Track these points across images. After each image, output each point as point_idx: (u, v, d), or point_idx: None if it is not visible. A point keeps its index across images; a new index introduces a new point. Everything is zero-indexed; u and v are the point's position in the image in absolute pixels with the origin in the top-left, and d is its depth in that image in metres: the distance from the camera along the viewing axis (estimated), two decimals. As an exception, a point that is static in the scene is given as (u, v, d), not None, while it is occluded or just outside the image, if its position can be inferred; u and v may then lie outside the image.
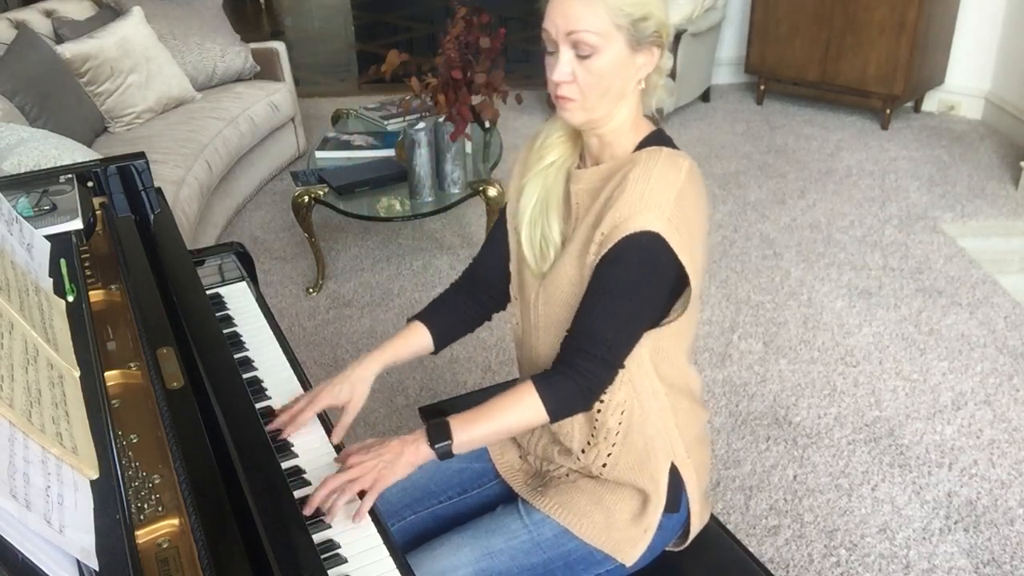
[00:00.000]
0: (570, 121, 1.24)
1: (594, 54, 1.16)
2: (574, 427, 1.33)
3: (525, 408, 1.21)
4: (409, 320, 1.47)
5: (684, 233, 1.18)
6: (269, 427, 1.31)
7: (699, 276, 1.23)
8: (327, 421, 1.37)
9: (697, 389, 1.39)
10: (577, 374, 1.20)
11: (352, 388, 1.36)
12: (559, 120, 1.29)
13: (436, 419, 1.22)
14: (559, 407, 1.22)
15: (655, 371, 1.28)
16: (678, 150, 1.25)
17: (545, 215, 1.32)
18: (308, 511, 1.15)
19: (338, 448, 1.32)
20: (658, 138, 1.27)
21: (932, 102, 4.78)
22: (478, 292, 1.48)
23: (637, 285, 1.18)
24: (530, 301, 1.36)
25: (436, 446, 1.20)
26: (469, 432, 1.21)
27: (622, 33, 1.16)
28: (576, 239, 1.26)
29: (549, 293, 1.31)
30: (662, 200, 1.17)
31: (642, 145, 1.25)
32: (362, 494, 1.17)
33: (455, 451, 1.21)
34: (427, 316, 1.46)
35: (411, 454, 1.20)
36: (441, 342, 1.46)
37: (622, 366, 1.23)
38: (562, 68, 1.18)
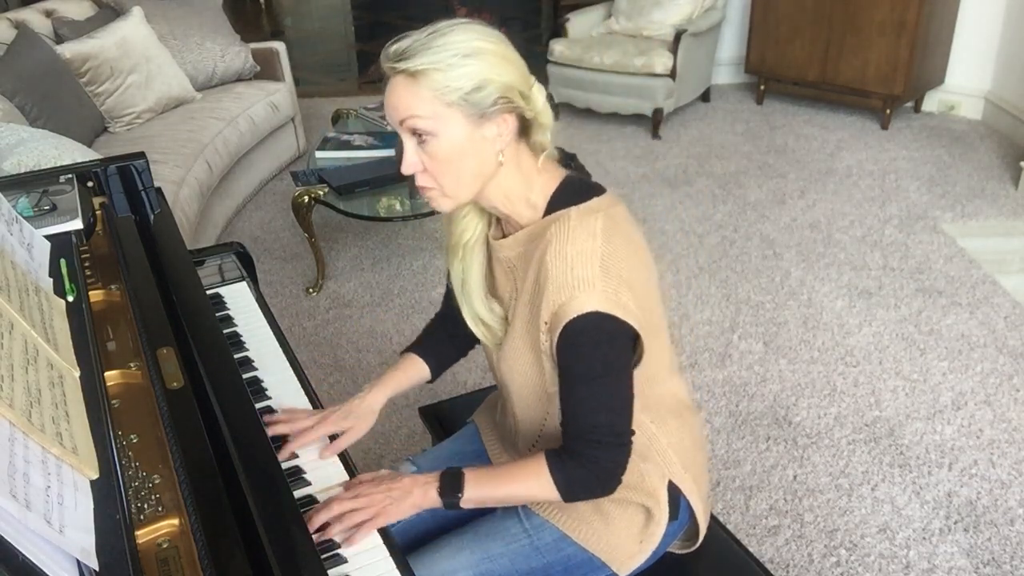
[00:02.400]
0: (439, 210, 1.19)
1: (432, 138, 1.09)
2: None
3: (538, 484, 1.19)
4: (403, 352, 1.49)
5: (623, 293, 1.12)
6: (270, 432, 1.31)
7: (654, 314, 1.21)
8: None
9: (684, 398, 1.37)
10: (589, 462, 1.17)
11: (359, 418, 1.38)
12: None
13: (453, 468, 1.21)
14: (573, 492, 1.20)
15: (639, 409, 1.24)
16: (591, 197, 1.18)
17: (468, 297, 1.30)
18: (311, 527, 1.15)
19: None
20: (567, 193, 1.19)
21: (932, 102, 4.78)
22: (456, 328, 1.45)
23: (604, 363, 1.14)
24: (494, 363, 1.35)
25: (445, 497, 1.19)
26: (480, 491, 1.20)
27: (457, 110, 1.08)
28: (518, 314, 1.22)
29: (509, 363, 1.28)
30: (587, 276, 1.11)
31: (551, 206, 1.18)
32: None
33: (462, 505, 1.20)
34: (420, 348, 1.49)
35: (419, 496, 1.19)
36: (437, 370, 1.49)
37: (632, 434, 1.19)
38: (407, 159, 1.12)
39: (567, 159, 1.27)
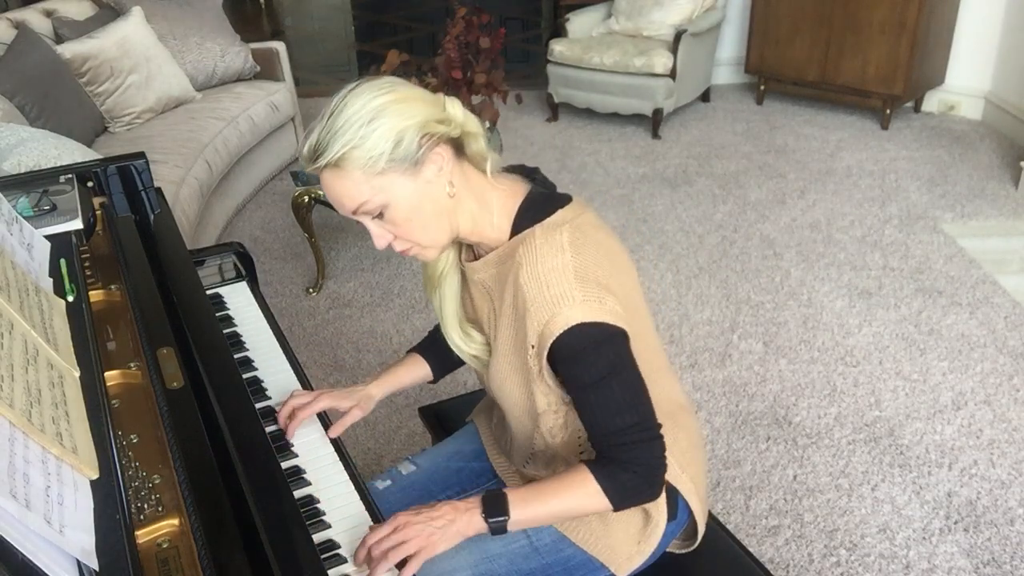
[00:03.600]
0: (429, 260, 1.21)
1: (384, 210, 1.10)
2: (568, 465, 1.32)
3: (586, 495, 1.15)
4: (408, 351, 1.50)
5: (605, 299, 1.12)
6: (280, 422, 1.34)
7: (638, 313, 1.20)
8: (326, 421, 1.37)
9: (678, 399, 1.37)
10: (633, 465, 1.15)
11: (358, 401, 1.40)
12: None
13: (492, 491, 1.16)
14: (625, 498, 1.17)
15: None
16: (555, 210, 1.17)
17: (446, 327, 1.30)
18: (356, 563, 1.12)
19: (337, 446, 1.32)
20: (528, 210, 1.18)
21: (932, 102, 4.78)
22: None
23: (607, 366, 1.14)
24: (482, 379, 1.35)
25: (491, 520, 1.13)
26: (527, 511, 1.15)
27: (391, 173, 1.07)
28: (501, 336, 1.21)
29: (498, 384, 1.27)
30: (564, 291, 1.11)
31: (516, 226, 1.18)
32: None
33: (510, 528, 1.14)
34: (425, 349, 1.50)
35: (463, 523, 1.13)
36: (439, 373, 1.50)
37: (660, 426, 1.18)
38: (376, 237, 1.13)
39: (529, 172, 1.26)
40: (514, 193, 1.20)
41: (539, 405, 1.24)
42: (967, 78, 4.64)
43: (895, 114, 4.60)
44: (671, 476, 1.32)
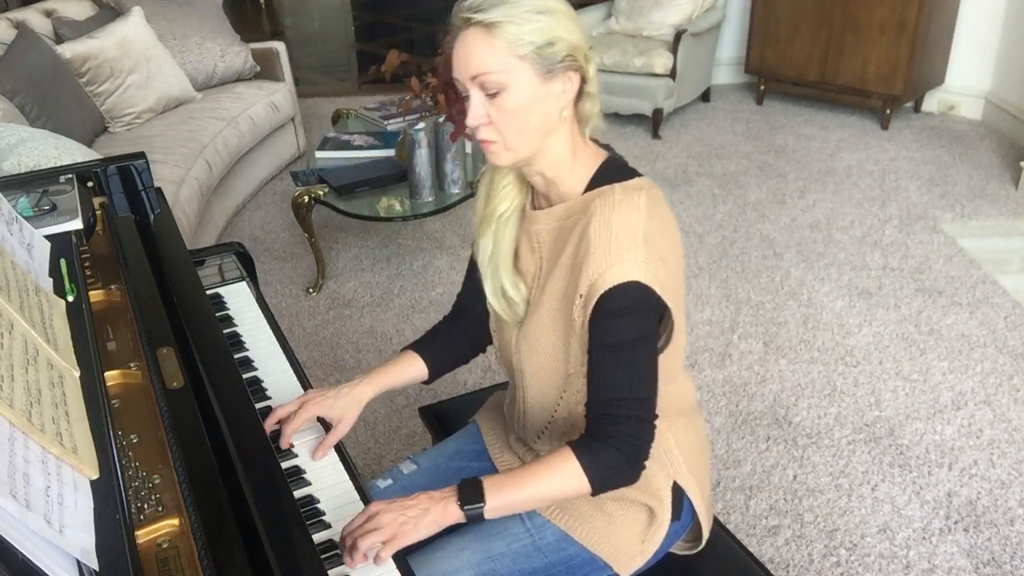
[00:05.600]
0: (498, 164, 1.21)
1: (502, 91, 1.12)
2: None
3: (565, 476, 1.14)
4: (404, 349, 1.47)
5: (660, 269, 1.14)
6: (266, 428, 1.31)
7: (680, 300, 1.21)
8: (327, 424, 1.37)
9: (692, 399, 1.37)
10: (617, 440, 1.14)
11: (345, 408, 1.35)
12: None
13: (468, 478, 1.15)
14: (604, 479, 1.15)
15: None
16: (632, 177, 1.21)
17: (496, 269, 1.30)
18: (352, 565, 1.10)
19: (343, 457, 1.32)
20: (608, 170, 1.22)
21: (932, 102, 4.78)
22: (467, 325, 1.47)
23: (636, 333, 1.15)
24: (510, 345, 1.34)
25: (467, 508, 1.12)
26: (503, 496, 1.13)
27: (528, 63, 1.11)
28: (548, 291, 1.23)
29: (530, 343, 1.28)
30: (630, 246, 1.13)
31: (594, 182, 1.21)
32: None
33: (487, 515, 1.13)
34: (421, 347, 1.46)
35: (438, 513, 1.11)
36: (435, 372, 1.46)
37: (656, 416, 1.18)
38: (474, 111, 1.14)
39: (605, 146, 1.29)
40: (597, 154, 1.24)
41: (572, 364, 1.24)
42: (967, 78, 4.64)
43: (895, 114, 4.60)
44: (679, 477, 1.32)
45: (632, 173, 1.23)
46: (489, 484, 1.14)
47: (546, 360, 1.26)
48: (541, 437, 1.37)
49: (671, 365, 1.26)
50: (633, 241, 1.14)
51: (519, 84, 1.12)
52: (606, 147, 1.28)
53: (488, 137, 1.16)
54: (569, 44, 1.13)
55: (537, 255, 1.27)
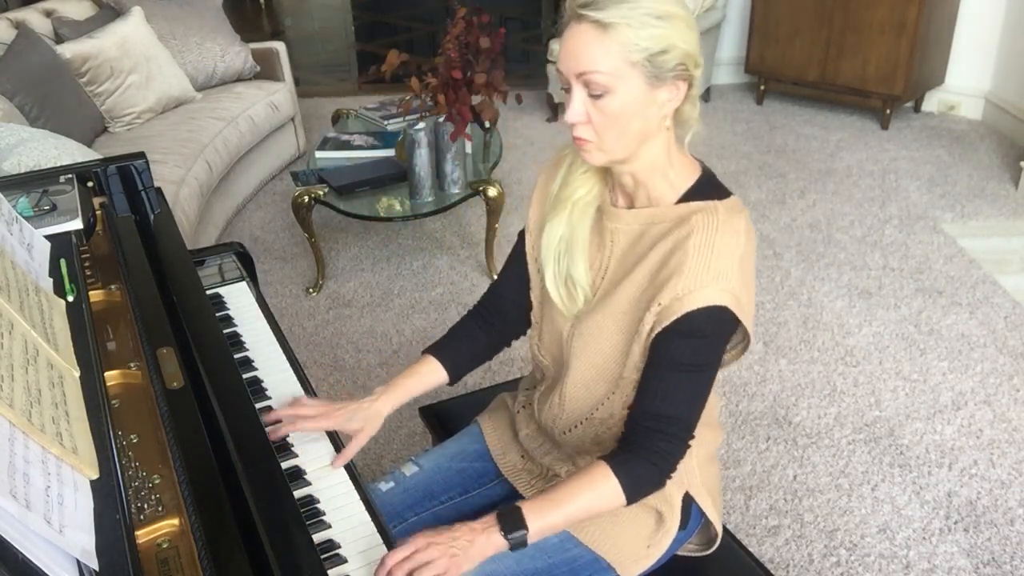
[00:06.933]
0: (589, 162, 1.18)
1: (607, 94, 1.09)
2: (592, 455, 1.30)
3: (603, 492, 1.15)
4: (423, 352, 1.44)
5: (745, 296, 1.14)
6: (269, 416, 1.30)
7: (753, 316, 1.21)
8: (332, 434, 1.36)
9: (715, 412, 1.37)
10: (657, 456, 1.15)
11: (365, 421, 1.34)
12: None
13: (506, 506, 1.14)
14: (636, 490, 1.16)
15: None
16: (728, 196, 1.19)
17: (570, 255, 1.27)
18: None
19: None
20: (706, 185, 1.20)
21: (932, 102, 4.78)
22: (495, 320, 1.44)
23: (706, 358, 1.15)
24: (559, 337, 1.32)
25: (510, 536, 1.11)
26: (544, 519, 1.13)
27: (638, 70, 1.08)
28: (621, 295, 1.20)
29: (585, 340, 1.26)
30: (727, 270, 1.12)
31: (690, 194, 1.18)
32: None
33: (530, 540, 1.12)
34: (441, 350, 1.43)
35: (483, 543, 1.11)
36: (456, 374, 1.44)
37: (693, 437, 1.19)
38: (575, 108, 1.11)
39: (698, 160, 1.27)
40: (694, 166, 1.22)
41: (628, 369, 1.22)
42: (967, 78, 4.64)
43: (895, 114, 4.60)
44: (692, 487, 1.31)
45: (728, 192, 1.20)
46: (528, 509, 1.13)
47: (601, 360, 1.25)
48: (571, 431, 1.34)
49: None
50: (730, 266, 1.13)
51: (625, 90, 1.09)
52: (699, 160, 1.25)
53: (584, 136, 1.13)
54: (683, 52, 1.09)
55: (607, 252, 1.24)
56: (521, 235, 1.40)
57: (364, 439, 1.33)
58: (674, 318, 1.13)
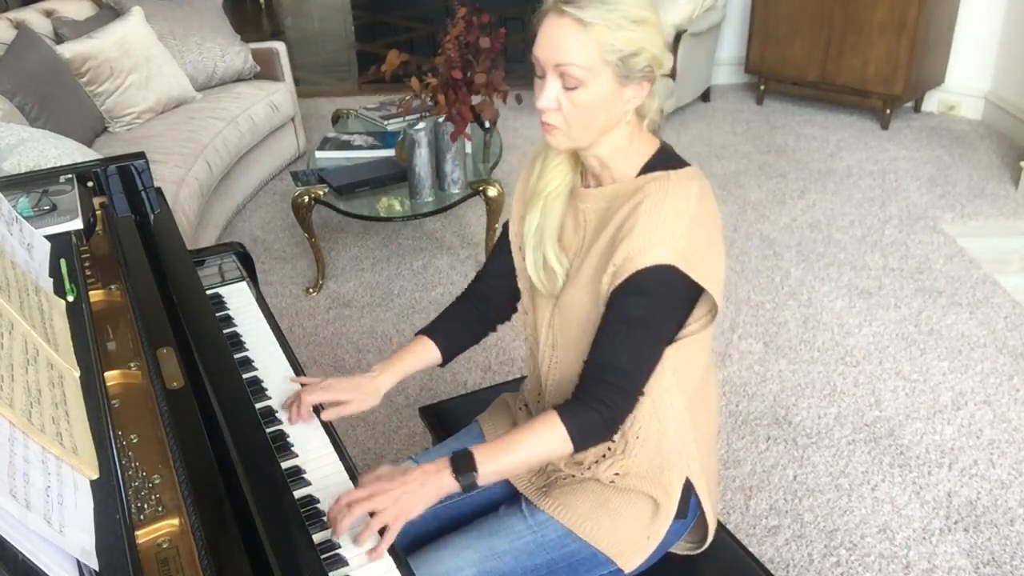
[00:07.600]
0: (554, 147, 1.26)
1: (579, 87, 1.16)
2: None
3: (550, 438, 1.20)
4: (417, 334, 1.50)
5: (697, 258, 1.18)
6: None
7: (721, 285, 1.24)
8: (332, 429, 1.37)
9: (714, 396, 1.40)
10: (600, 404, 1.20)
11: (364, 394, 1.40)
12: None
13: (459, 450, 1.20)
14: (583, 437, 1.21)
15: (677, 387, 1.28)
16: (684, 166, 1.25)
17: (544, 243, 1.33)
18: (337, 534, 1.13)
19: (334, 438, 1.33)
20: (663, 159, 1.26)
21: (932, 102, 4.78)
22: (482, 306, 1.51)
23: (654, 314, 1.19)
24: (544, 320, 1.37)
25: (460, 477, 1.17)
26: (494, 463, 1.19)
27: (610, 68, 1.15)
28: (587, 265, 1.27)
29: (564, 316, 1.32)
30: (675, 231, 1.17)
31: (647, 168, 1.25)
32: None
33: (480, 482, 1.18)
34: (434, 331, 1.49)
35: (434, 485, 1.17)
36: (448, 355, 1.49)
37: (642, 393, 1.24)
38: (548, 95, 1.18)
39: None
40: (652, 142, 1.28)
41: None
42: (967, 78, 4.64)
43: (895, 114, 4.60)
44: (692, 472, 1.32)
45: (684, 163, 1.26)
46: (479, 452, 1.19)
47: (582, 333, 1.29)
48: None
49: (699, 359, 1.30)
50: (679, 226, 1.17)
51: (597, 84, 1.15)
52: (659, 137, 1.31)
53: (553, 122, 1.21)
54: (651, 56, 1.17)
55: (581, 233, 1.30)
56: (506, 226, 1.47)
57: (356, 408, 1.39)
58: (624, 277, 1.19)
